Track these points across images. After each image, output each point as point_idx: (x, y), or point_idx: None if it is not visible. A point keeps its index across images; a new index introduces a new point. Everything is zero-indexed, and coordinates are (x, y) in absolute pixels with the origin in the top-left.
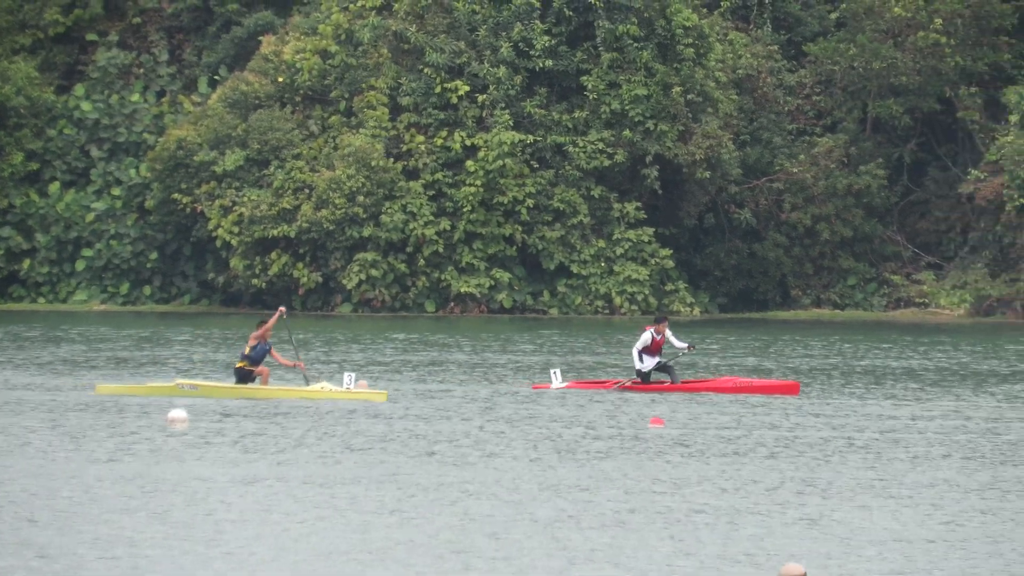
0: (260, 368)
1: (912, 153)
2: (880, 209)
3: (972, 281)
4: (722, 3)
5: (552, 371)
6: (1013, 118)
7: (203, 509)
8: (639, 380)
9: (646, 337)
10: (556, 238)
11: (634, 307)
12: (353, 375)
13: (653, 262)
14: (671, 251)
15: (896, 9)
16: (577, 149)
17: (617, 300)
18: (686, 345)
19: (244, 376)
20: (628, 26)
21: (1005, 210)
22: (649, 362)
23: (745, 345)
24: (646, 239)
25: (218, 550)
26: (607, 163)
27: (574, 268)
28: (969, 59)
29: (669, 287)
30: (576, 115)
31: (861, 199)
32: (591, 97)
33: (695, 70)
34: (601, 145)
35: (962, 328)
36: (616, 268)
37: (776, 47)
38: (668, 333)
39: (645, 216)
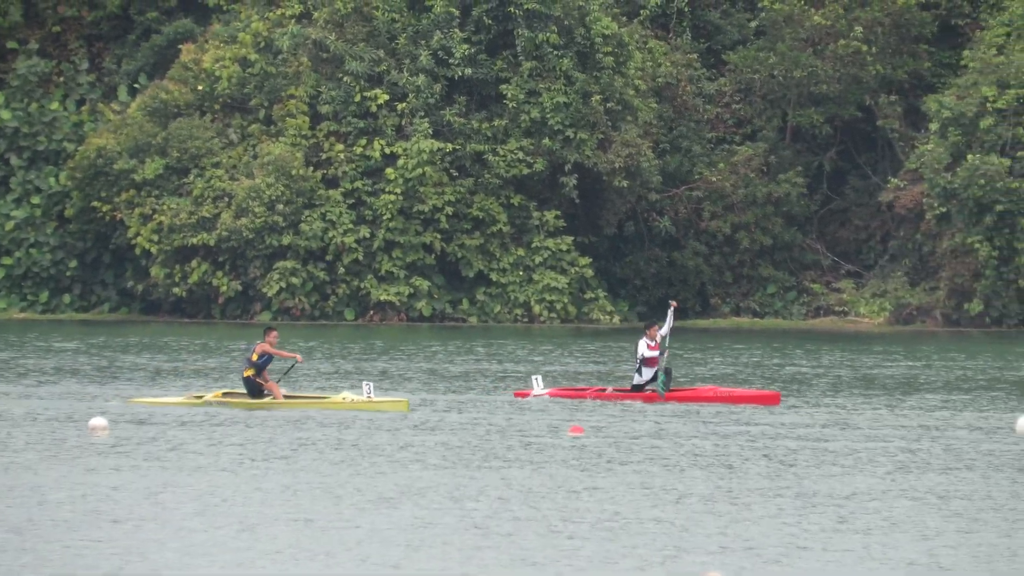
0: (270, 384)
1: (832, 161)
2: (800, 218)
3: (892, 290)
4: (641, 11)
5: (533, 377)
6: (933, 126)
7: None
8: (628, 389)
9: (642, 349)
10: (475, 246)
11: (553, 315)
12: (371, 384)
13: (572, 270)
14: (590, 259)
15: (816, 17)
16: (496, 158)
17: (536, 308)
18: (671, 306)
19: (254, 388)
20: (548, 34)
21: (925, 219)
22: (647, 374)
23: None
24: (565, 247)
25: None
26: (526, 171)
27: (493, 276)
28: (889, 67)
29: (588, 295)
30: (495, 123)
31: (781, 207)
32: (510, 105)
33: (614, 78)
34: (520, 154)
35: (883, 336)
36: (535, 276)
37: (696, 55)
38: (657, 331)
39: (564, 224)
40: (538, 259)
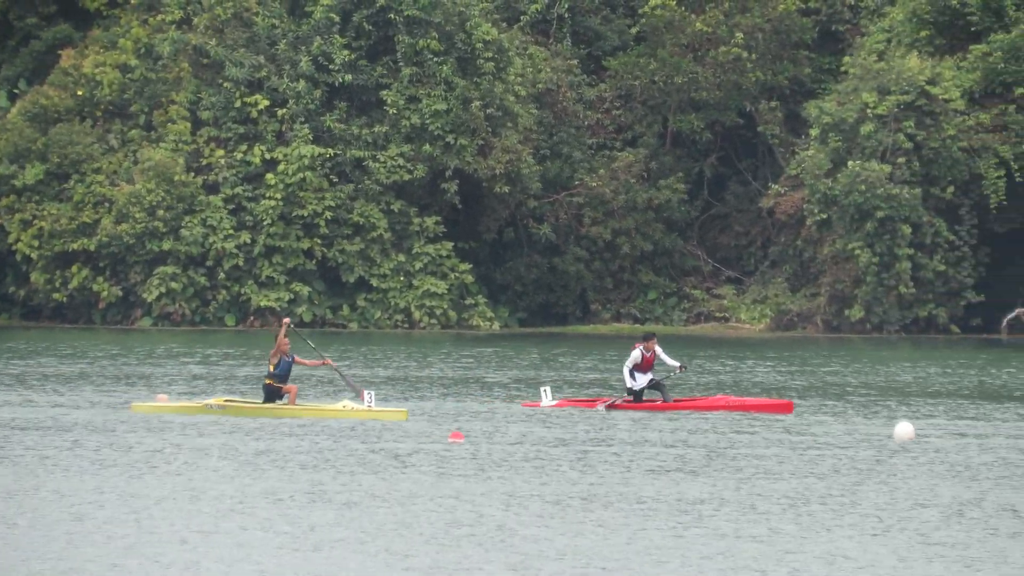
0: (288, 386)
1: (712, 167)
2: (680, 223)
3: (772, 295)
4: (522, 17)
5: (542, 388)
6: (813, 132)
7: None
8: (631, 399)
9: (635, 355)
10: (356, 252)
11: (433, 321)
12: (372, 393)
13: (452, 276)
14: (470, 265)
15: (697, 24)
16: (377, 163)
17: (416, 314)
18: (678, 365)
19: (272, 393)
20: (428, 40)
21: (805, 225)
22: (641, 380)
23: (552, 359)
24: (445, 253)
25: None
26: (407, 177)
27: (374, 282)
28: (770, 73)
29: (469, 301)
30: (376, 129)
31: (661, 213)
32: (391, 111)
33: (495, 84)
34: (401, 160)
35: (764, 342)
36: (415, 282)
37: (576, 61)
38: (658, 350)
39: (444, 230)
40: (418, 265)
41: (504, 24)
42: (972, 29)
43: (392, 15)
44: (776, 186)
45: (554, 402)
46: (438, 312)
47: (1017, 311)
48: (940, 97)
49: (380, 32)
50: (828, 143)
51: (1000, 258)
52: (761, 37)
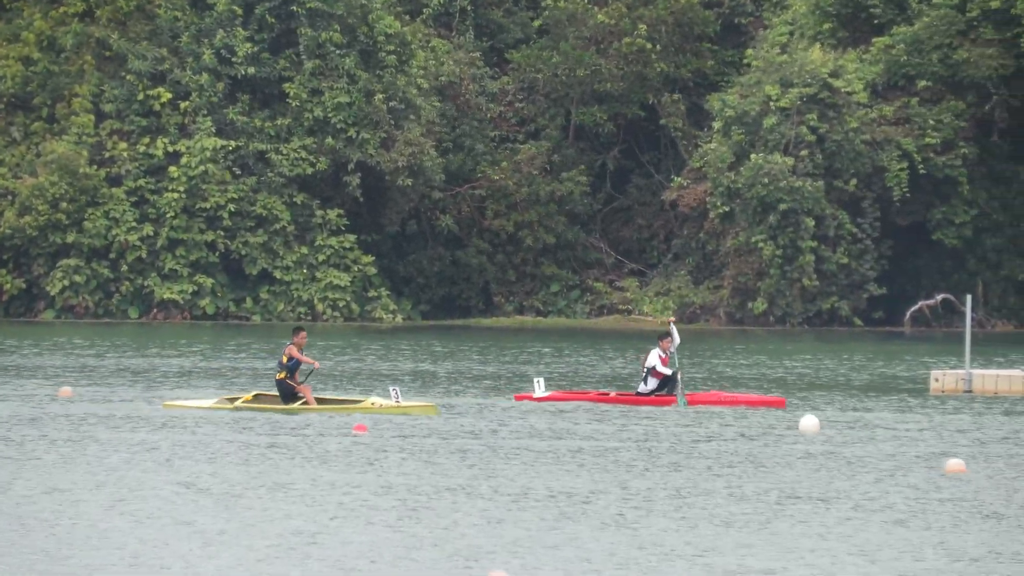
0: (303, 387)
1: (615, 160)
2: (583, 216)
3: (675, 288)
4: (424, 10)
5: (535, 380)
6: (716, 125)
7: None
8: (633, 393)
9: (655, 359)
10: (259, 244)
11: (336, 314)
12: (397, 388)
13: (355, 269)
14: (373, 258)
15: (599, 16)
16: (280, 156)
17: (319, 307)
18: (674, 331)
19: (287, 391)
20: (331, 33)
21: (708, 217)
22: (652, 384)
23: (454, 351)
24: (348, 246)
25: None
26: (310, 170)
27: (277, 274)
28: (673, 66)
29: (372, 294)
30: (279, 122)
31: (564, 206)
32: (294, 104)
33: (397, 77)
34: (304, 152)
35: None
36: (318, 275)
37: (479, 54)
38: (671, 345)
39: (348, 223)
40: (321, 257)
41: (407, 17)
42: (875, 22)
43: (295, 7)
44: (679, 179)
45: (546, 393)
46: (341, 305)
47: (920, 304)
48: (843, 90)
49: (283, 25)
50: (731, 136)
51: (903, 251)
52: (664, 29)
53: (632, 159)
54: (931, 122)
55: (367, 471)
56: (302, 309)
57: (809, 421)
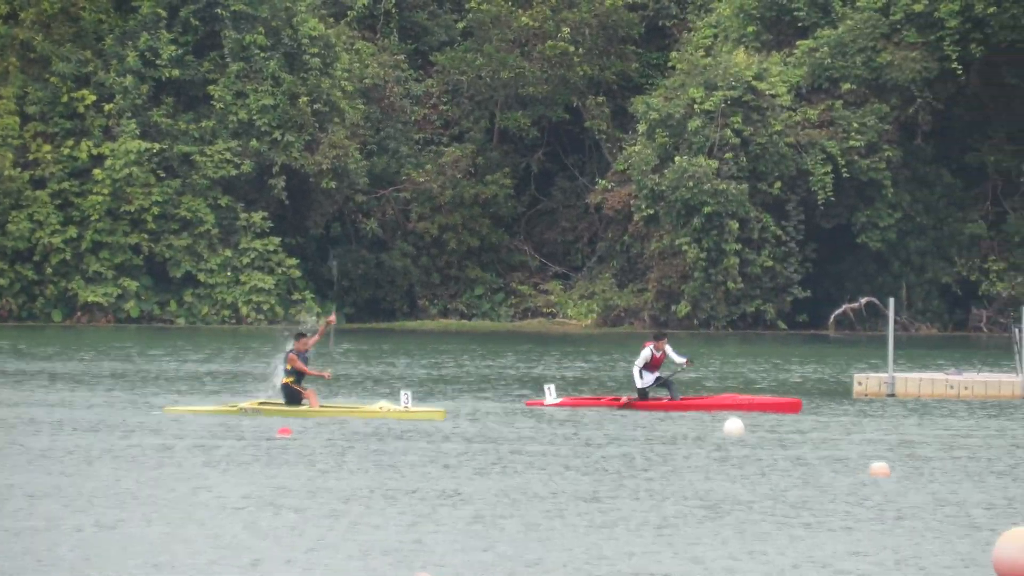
0: (308, 391)
1: (539, 163)
2: (507, 219)
3: (599, 291)
4: (348, 13)
5: (546, 387)
6: (641, 127)
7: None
8: (637, 397)
9: (646, 354)
10: (183, 247)
11: (260, 316)
12: (409, 393)
13: (280, 271)
14: (298, 260)
15: (523, 19)
16: (204, 158)
17: (244, 309)
18: (684, 360)
19: (293, 395)
20: (255, 36)
21: (633, 220)
22: (648, 378)
23: (376, 356)
24: (272, 248)
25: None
26: (234, 172)
27: (201, 277)
28: (597, 69)
29: (296, 296)
30: (203, 124)
31: (488, 209)
32: (218, 107)
33: (321, 80)
34: (228, 154)
35: (590, 338)
36: (243, 277)
37: (403, 56)
38: (668, 349)
39: (272, 226)
40: (246, 260)
41: (331, 19)
42: (799, 25)
43: (219, 10)
44: (603, 182)
45: (558, 400)
46: (265, 307)
47: (844, 307)
48: (767, 93)
49: (207, 27)
50: (655, 139)
51: (827, 254)
52: (588, 32)
53: (556, 162)
54: (855, 125)
55: (283, 473)
56: (226, 312)
57: (733, 424)
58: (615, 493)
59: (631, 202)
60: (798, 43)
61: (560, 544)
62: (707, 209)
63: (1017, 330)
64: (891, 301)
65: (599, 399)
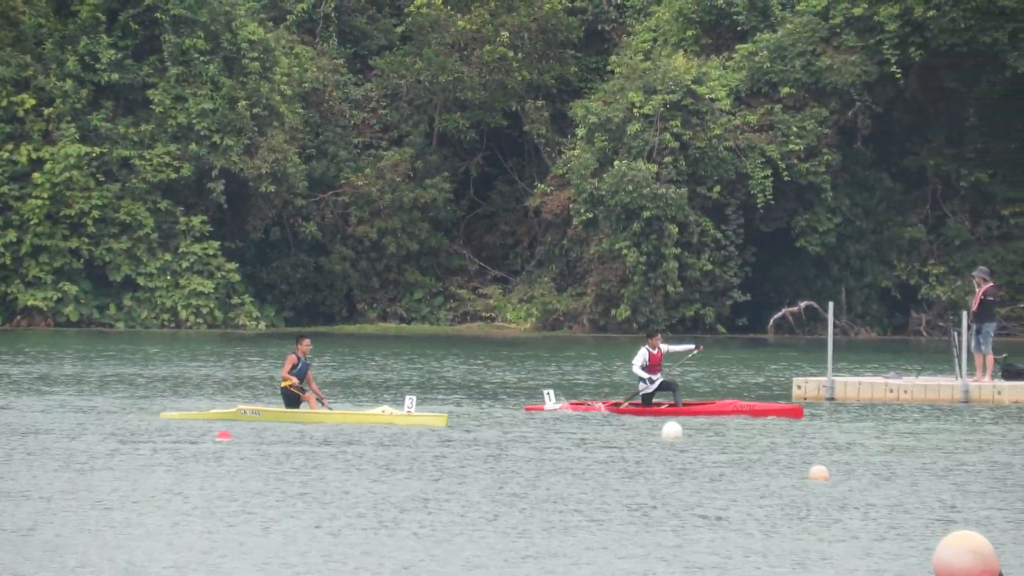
0: (307, 394)
1: (479, 167)
2: (447, 223)
3: (539, 295)
4: (288, 17)
5: (546, 392)
6: (580, 132)
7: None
8: (640, 402)
9: (643, 353)
10: (122, 251)
11: (200, 320)
12: (413, 398)
13: (219, 275)
14: (237, 264)
15: (462, 23)
16: (143, 162)
17: (183, 313)
18: (692, 346)
19: (291, 398)
20: (194, 40)
21: (572, 224)
22: (653, 380)
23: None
24: (212, 252)
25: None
26: (173, 176)
27: (140, 281)
28: (536, 73)
29: (235, 300)
30: (142, 128)
31: (427, 213)
32: (157, 110)
33: (261, 84)
34: (168, 158)
35: (529, 342)
36: (182, 281)
37: (342, 61)
38: (663, 345)
39: (211, 230)
40: (185, 264)
41: (270, 24)
42: (738, 28)
43: (158, 14)
44: (542, 185)
45: (558, 405)
46: (204, 311)
47: (783, 311)
48: (706, 96)
49: (147, 31)
50: (594, 143)
51: (766, 258)
52: (527, 36)
53: (496, 166)
54: (794, 129)
55: (218, 476)
56: (165, 316)
57: (671, 428)
58: (547, 496)
59: (570, 206)
60: (737, 47)
61: (489, 548)
62: (646, 213)
63: (956, 334)
64: (831, 305)
65: (603, 403)
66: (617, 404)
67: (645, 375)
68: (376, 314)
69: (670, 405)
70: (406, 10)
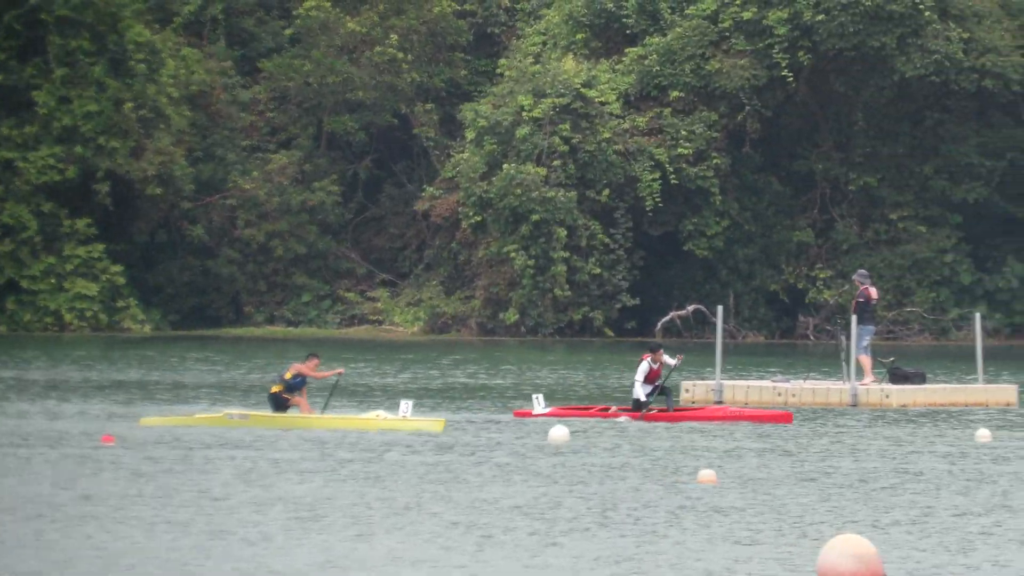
0: (297, 399)
1: (367, 170)
2: (335, 226)
3: (427, 299)
4: (175, 19)
5: (535, 397)
6: (469, 135)
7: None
8: (632, 408)
9: (644, 367)
10: (5, 253)
11: (83, 324)
12: (410, 403)
13: (104, 278)
14: (122, 267)
15: (351, 24)
16: (27, 164)
17: (67, 317)
18: (676, 359)
19: (280, 404)
20: (80, 41)
21: (460, 227)
22: (646, 389)
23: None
24: (97, 255)
25: None
26: (58, 178)
27: (24, 284)
28: (425, 75)
29: (120, 304)
30: (26, 130)
31: (316, 216)
32: (42, 112)
33: (147, 86)
34: (52, 160)
35: (417, 345)
36: (66, 284)
37: (230, 63)
38: (665, 358)
39: (96, 232)
40: (69, 267)
41: (157, 25)
42: (627, 32)
43: (43, 15)
44: (431, 189)
45: (547, 410)
46: (89, 315)
47: (671, 314)
48: (596, 100)
49: (31, 32)
50: (483, 146)
51: (655, 261)
52: (416, 39)
53: (384, 169)
54: (683, 132)
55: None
56: (49, 319)
57: (558, 431)
58: (411, 500)
59: (459, 209)
60: (627, 51)
61: (377, 551)
62: (535, 217)
63: (844, 337)
64: (719, 309)
65: (589, 409)
66: (605, 408)
67: (642, 387)
68: (263, 317)
69: (660, 410)
70: (295, 12)
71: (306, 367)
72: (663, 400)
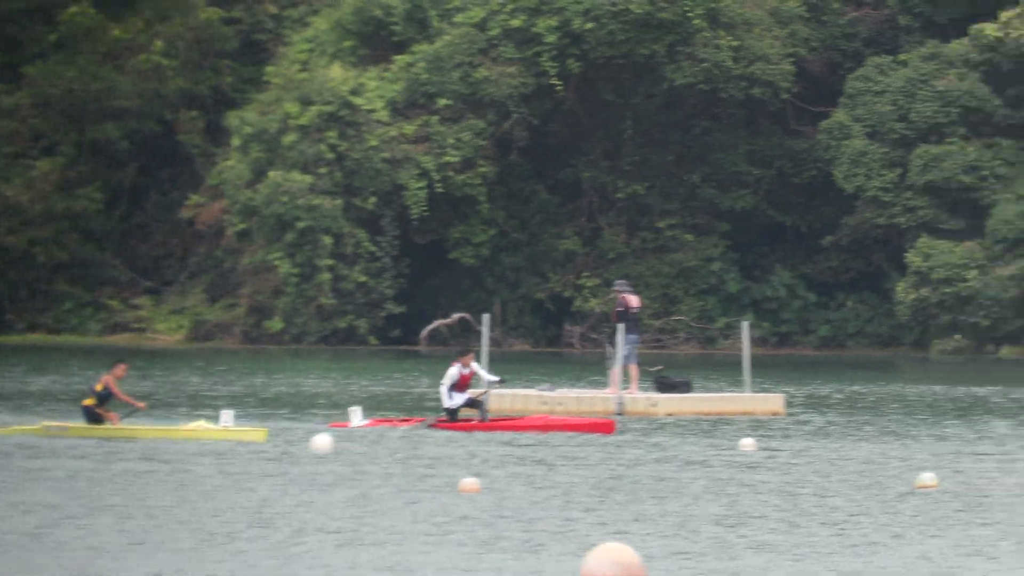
0: (110, 413)
1: (132, 176)
2: (98, 233)
3: (190, 306)
4: None
5: (351, 409)
6: (235, 142)
7: None
8: (446, 418)
9: (453, 373)
10: None
11: None
12: (231, 412)
13: None
14: None
15: (116, 31)
16: None
17: None
18: (497, 379)
19: (94, 418)
20: None
21: (225, 235)
22: (458, 398)
23: None
24: None
25: None
26: None
27: None
28: (191, 82)
29: None
30: None
31: (78, 223)
32: None
33: None
34: None
35: (180, 353)
36: None
37: None
38: (475, 366)
39: None
40: None
41: None
42: (395, 39)
43: None
44: (196, 196)
45: (365, 422)
46: None
47: (436, 323)
48: (363, 107)
49: None
50: (250, 153)
51: (421, 269)
52: (182, 45)
53: (149, 176)
54: (451, 140)
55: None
56: None
57: (322, 440)
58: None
59: (224, 217)
60: (395, 58)
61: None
62: (301, 224)
63: (609, 346)
64: (485, 317)
65: (407, 420)
66: (420, 420)
67: (451, 394)
68: (24, 325)
69: (478, 421)
70: (59, 18)
71: (112, 376)
72: (475, 411)
